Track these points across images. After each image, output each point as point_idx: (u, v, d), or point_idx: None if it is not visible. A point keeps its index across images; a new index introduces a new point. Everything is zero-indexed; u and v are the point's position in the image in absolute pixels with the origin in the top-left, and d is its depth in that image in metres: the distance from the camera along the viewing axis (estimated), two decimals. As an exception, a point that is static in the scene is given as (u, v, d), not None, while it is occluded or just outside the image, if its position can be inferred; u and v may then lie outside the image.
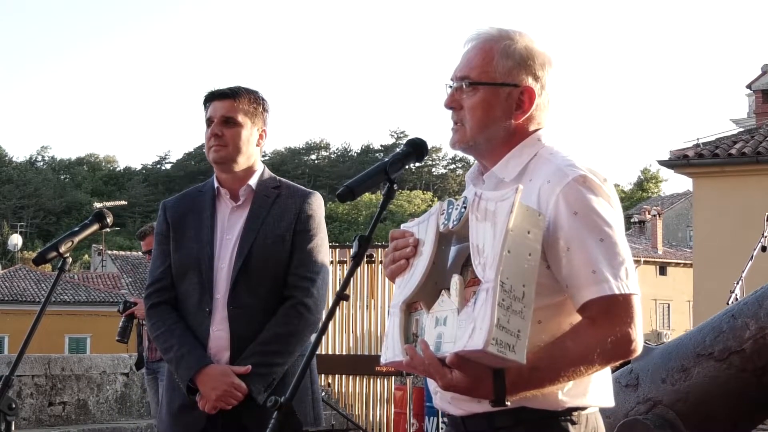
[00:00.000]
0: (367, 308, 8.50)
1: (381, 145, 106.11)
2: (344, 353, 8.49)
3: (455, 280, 2.11)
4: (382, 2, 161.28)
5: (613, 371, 2.74)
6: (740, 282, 5.70)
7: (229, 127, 3.53)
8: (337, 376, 8.42)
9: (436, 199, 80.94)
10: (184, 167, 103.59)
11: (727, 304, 4.94)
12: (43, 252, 3.17)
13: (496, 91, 2.28)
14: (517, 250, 2.03)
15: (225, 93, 3.57)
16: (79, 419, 10.13)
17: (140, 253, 10.55)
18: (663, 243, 52.91)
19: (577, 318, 2.15)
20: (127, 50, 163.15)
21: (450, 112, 2.33)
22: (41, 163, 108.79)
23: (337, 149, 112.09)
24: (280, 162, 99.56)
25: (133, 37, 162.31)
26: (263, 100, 3.63)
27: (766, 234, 5.85)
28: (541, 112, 2.32)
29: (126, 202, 74.21)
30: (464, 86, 2.29)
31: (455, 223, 2.13)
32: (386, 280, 7.82)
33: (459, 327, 2.03)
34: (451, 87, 2.33)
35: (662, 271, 51.52)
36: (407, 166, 2.36)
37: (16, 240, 49.85)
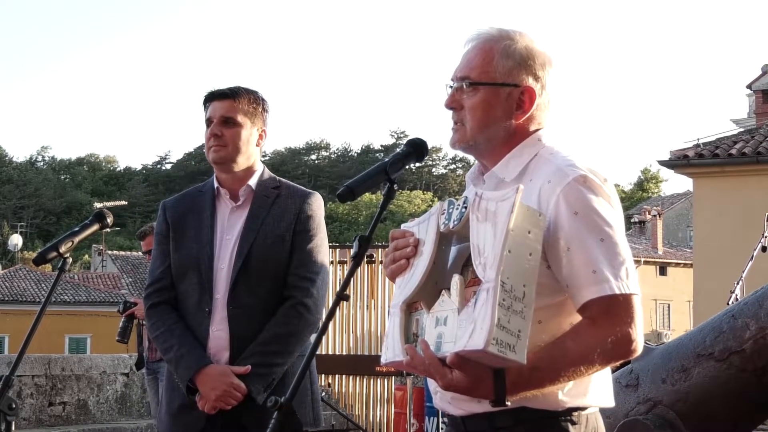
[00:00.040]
0: (367, 308, 8.49)
1: (381, 145, 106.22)
2: (344, 353, 8.48)
3: (456, 280, 2.11)
4: (382, 2, 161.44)
5: (613, 371, 2.74)
6: (740, 282, 5.70)
7: (228, 127, 3.53)
8: (337, 376, 8.41)
9: (436, 199, 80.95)
10: (185, 167, 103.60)
11: (728, 304, 4.95)
12: (43, 252, 3.17)
13: (497, 91, 2.28)
14: (518, 250, 2.03)
15: (225, 93, 3.57)
16: (79, 419, 10.14)
17: (140, 253, 10.55)
18: (663, 243, 52.91)
19: (578, 318, 2.15)
20: (127, 50, 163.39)
21: (450, 112, 2.34)
22: (41, 163, 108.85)
23: (337, 149, 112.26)
24: (280, 162, 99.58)
25: (133, 37, 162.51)
26: (263, 100, 3.63)
27: (766, 234, 5.85)
28: (542, 112, 2.32)
29: (126, 203, 74.21)
30: (464, 86, 2.29)
31: (456, 223, 2.13)
32: (386, 280, 7.82)
33: (459, 327, 2.03)
34: (451, 87, 2.33)
35: (662, 271, 51.52)
36: (407, 166, 2.36)
37: (16, 240, 49.88)
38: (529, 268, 2.05)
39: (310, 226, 3.54)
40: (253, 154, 3.60)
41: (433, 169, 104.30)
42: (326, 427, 9.69)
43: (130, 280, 44.24)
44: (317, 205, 3.60)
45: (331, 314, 2.26)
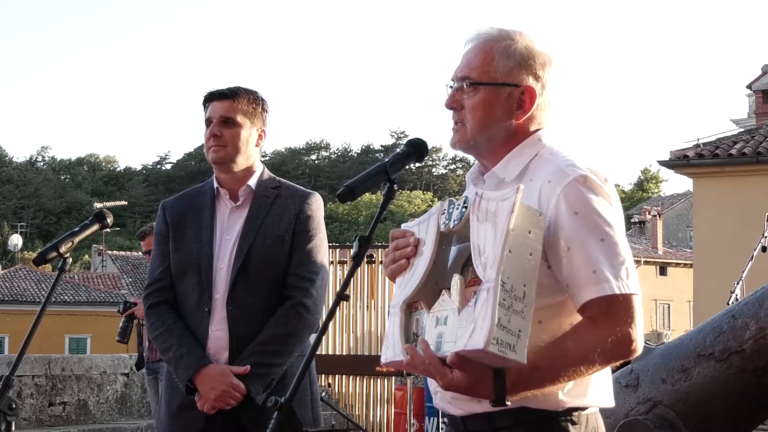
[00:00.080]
0: (367, 308, 8.49)
1: (381, 145, 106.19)
2: (344, 353, 8.48)
3: (456, 280, 2.11)
4: (382, 2, 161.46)
5: (613, 371, 2.74)
6: (740, 282, 5.70)
7: (228, 127, 3.53)
8: (337, 376, 8.41)
9: (436, 199, 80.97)
10: (185, 167, 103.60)
11: (728, 304, 4.94)
12: (43, 252, 3.17)
13: (497, 91, 2.28)
14: (518, 250, 2.03)
15: (224, 93, 3.57)
16: (79, 419, 10.14)
17: (140, 253, 10.55)
18: (663, 243, 52.91)
19: (578, 318, 2.15)
20: (127, 50, 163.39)
21: (450, 112, 2.34)
22: (41, 164, 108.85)
23: (337, 149, 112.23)
24: (280, 162, 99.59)
25: (133, 37, 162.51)
26: (262, 100, 3.63)
27: (766, 234, 5.85)
28: (542, 112, 2.32)
29: (126, 203, 74.21)
30: (465, 86, 2.29)
31: (456, 222, 2.13)
32: (386, 280, 7.82)
33: (459, 327, 2.03)
34: (451, 87, 2.33)
35: (662, 271, 51.52)
36: (407, 167, 2.36)
37: (16, 240, 49.89)
38: (529, 268, 2.05)
39: (310, 226, 3.54)
40: (252, 154, 3.60)
41: (433, 169, 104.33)
42: (326, 427, 9.69)
43: (130, 280, 44.24)
44: (317, 206, 3.60)
45: (331, 314, 2.26)
